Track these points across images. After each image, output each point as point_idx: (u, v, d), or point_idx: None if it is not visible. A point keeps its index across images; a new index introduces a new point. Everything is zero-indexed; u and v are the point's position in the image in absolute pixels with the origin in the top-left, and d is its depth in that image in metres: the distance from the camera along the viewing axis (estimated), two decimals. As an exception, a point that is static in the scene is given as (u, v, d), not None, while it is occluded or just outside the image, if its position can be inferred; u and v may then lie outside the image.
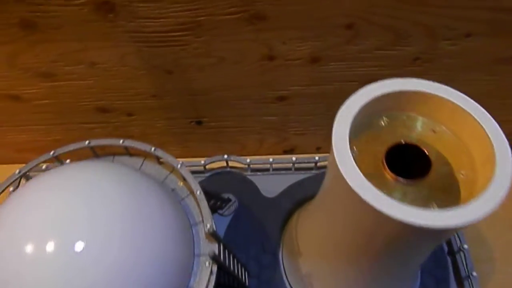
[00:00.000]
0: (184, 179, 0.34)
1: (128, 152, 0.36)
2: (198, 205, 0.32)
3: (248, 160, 0.46)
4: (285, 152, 0.57)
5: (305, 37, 0.39)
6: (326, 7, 0.36)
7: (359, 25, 0.38)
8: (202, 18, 0.37)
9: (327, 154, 0.48)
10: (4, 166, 0.58)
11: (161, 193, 0.32)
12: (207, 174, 0.47)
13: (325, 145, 0.56)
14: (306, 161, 0.46)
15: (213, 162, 0.46)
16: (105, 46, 0.40)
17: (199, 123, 0.51)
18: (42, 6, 0.35)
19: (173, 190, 0.34)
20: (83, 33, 0.38)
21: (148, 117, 0.50)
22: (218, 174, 0.48)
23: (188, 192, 0.34)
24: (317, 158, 0.45)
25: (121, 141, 0.34)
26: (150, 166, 0.36)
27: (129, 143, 0.34)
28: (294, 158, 0.45)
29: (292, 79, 0.44)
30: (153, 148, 0.34)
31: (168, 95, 0.47)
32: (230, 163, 0.47)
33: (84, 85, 0.44)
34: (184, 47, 0.40)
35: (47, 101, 0.47)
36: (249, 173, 0.47)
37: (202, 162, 0.45)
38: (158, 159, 0.36)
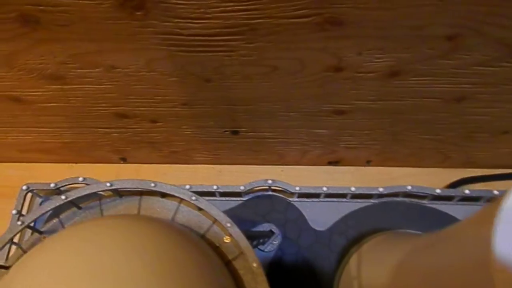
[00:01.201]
0: (231, 235, 0.26)
1: (159, 192, 0.29)
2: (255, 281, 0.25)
3: (297, 188, 0.38)
4: (330, 163, 0.49)
5: (389, 48, 0.30)
6: (426, 13, 0.27)
7: (464, 37, 0.29)
8: (258, 20, 0.28)
9: (395, 185, 0.40)
10: (6, 164, 0.51)
11: (199, 258, 0.25)
12: (244, 198, 0.40)
13: (377, 159, 0.48)
14: (367, 191, 0.38)
15: (254, 188, 0.38)
16: (127, 48, 0.31)
17: (235, 133, 0.43)
18: (55, 1, 0.27)
19: (217, 247, 0.27)
20: (98, 33, 0.29)
21: (175, 125, 0.42)
22: (258, 198, 0.40)
23: (237, 252, 0.27)
24: (381, 189, 0.38)
25: (152, 184, 0.26)
26: (187, 212, 0.28)
27: (162, 187, 0.26)
28: (353, 188, 0.38)
29: (358, 93, 0.36)
30: (193, 197, 0.26)
31: (202, 104, 0.38)
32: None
33: (101, 90, 0.36)
34: (229, 53, 0.31)
35: (54, 104, 0.39)
36: (294, 198, 0.40)
37: (242, 187, 0.38)
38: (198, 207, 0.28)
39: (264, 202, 0.40)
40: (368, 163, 0.49)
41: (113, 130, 0.43)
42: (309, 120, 0.40)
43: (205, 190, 0.38)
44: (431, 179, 0.49)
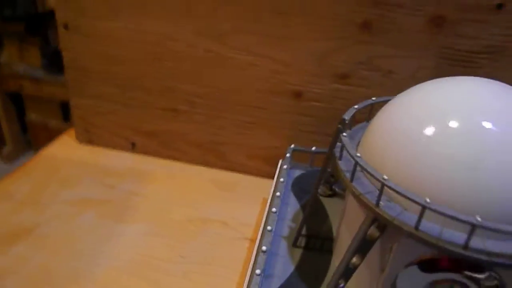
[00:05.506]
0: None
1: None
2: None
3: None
4: None
5: None
6: None
7: None
8: (502, 44, 0.45)
9: None
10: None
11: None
12: None
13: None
14: None
15: None
16: (410, 55, 0.48)
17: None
18: (387, 11, 0.46)
19: None
20: (402, 40, 0.48)
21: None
22: None
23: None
24: None
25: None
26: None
27: None
28: None
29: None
30: None
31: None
32: None
33: (364, 93, 0.52)
34: (473, 69, 0.47)
35: (321, 104, 0.54)
36: None
37: None
38: None
39: None
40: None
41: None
42: None
43: None
44: None
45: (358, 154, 0.28)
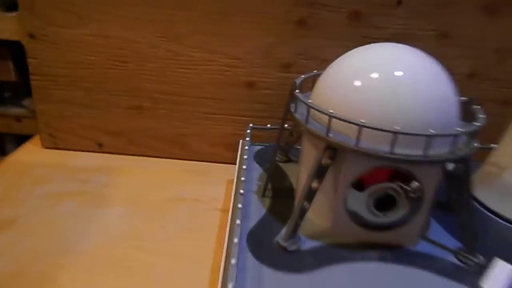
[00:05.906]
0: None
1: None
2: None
3: None
4: None
5: None
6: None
7: None
8: (404, 31, 0.58)
9: None
10: (191, 162, 0.68)
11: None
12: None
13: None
14: None
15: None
16: (338, 45, 0.59)
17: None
18: (316, 10, 0.57)
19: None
20: (331, 33, 0.59)
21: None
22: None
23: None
24: None
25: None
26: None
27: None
28: None
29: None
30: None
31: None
32: None
33: (305, 79, 0.62)
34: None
35: (269, 91, 0.63)
36: None
37: None
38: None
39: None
40: None
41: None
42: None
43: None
44: None
45: (310, 101, 0.37)
